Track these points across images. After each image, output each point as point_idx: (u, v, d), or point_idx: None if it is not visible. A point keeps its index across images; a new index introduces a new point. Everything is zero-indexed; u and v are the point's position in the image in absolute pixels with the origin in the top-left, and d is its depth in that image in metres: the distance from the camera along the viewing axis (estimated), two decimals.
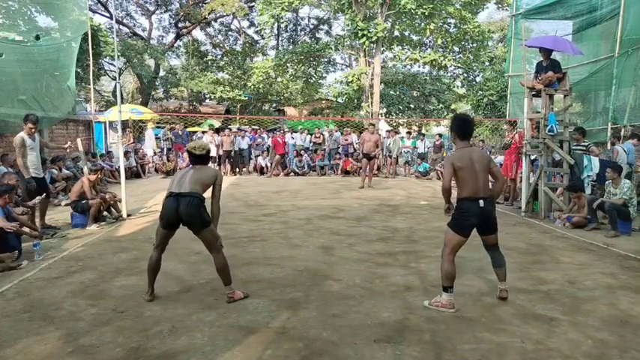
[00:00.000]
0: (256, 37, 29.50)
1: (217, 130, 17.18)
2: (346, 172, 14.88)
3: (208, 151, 3.96)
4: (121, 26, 26.67)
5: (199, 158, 3.90)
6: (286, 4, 19.02)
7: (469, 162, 3.57)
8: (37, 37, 11.22)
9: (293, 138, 16.85)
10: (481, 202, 3.52)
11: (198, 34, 30.26)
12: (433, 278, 4.37)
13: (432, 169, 14.84)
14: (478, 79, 23.49)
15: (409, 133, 17.80)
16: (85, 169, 7.14)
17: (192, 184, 3.70)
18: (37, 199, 6.09)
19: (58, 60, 11.87)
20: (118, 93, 7.97)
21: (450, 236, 3.64)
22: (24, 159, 6.16)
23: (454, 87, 26.81)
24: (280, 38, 29.66)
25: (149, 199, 9.42)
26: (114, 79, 24.03)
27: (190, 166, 3.95)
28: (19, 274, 4.44)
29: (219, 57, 29.43)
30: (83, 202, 6.67)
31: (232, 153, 14.86)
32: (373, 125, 12.50)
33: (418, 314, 3.52)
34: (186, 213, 3.59)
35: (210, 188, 3.83)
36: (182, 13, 27.04)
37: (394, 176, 14.83)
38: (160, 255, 3.82)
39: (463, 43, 21.60)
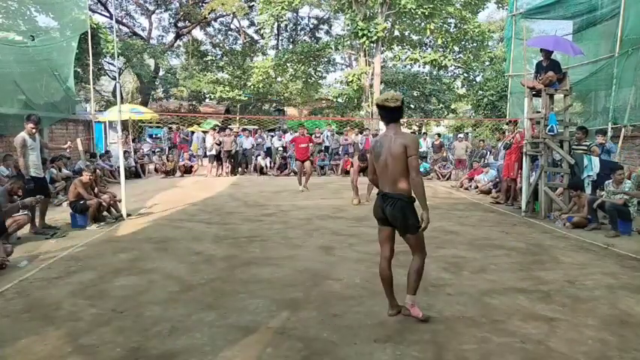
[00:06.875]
0: (256, 37, 29.50)
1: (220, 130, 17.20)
2: (346, 172, 14.88)
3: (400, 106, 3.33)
4: (120, 26, 26.66)
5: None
6: (286, 3, 19.00)
7: None
8: (32, 38, 11.25)
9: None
10: None
11: (198, 33, 30.29)
12: (433, 278, 4.37)
13: (432, 170, 14.84)
14: (478, 79, 23.49)
15: (414, 133, 17.70)
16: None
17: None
18: (37, 197, 6.07)
19: (57, 59, 11.88)
20: (117, 93, 8.00)
21: None
22: (25, 159, 6.17)
23: (454, 87, 26.80)
24: (280, 38, 29.65)
25: (149, 199, 9.43)
26: (114, 78, 24.02)
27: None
28: (19, 274, 4.44)
29: (219, 57, 29.42)
30: (81, 202, 6.67)
31: (233, 152, 14.84)
32: (364, 159, 9.28)
33: None
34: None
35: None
36: (182, 13, 27.03)
37: None
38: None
39: (463, 42, 21.60)
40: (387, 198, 3.31)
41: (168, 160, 14.60)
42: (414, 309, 3.33)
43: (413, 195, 3.30)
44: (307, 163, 11.18)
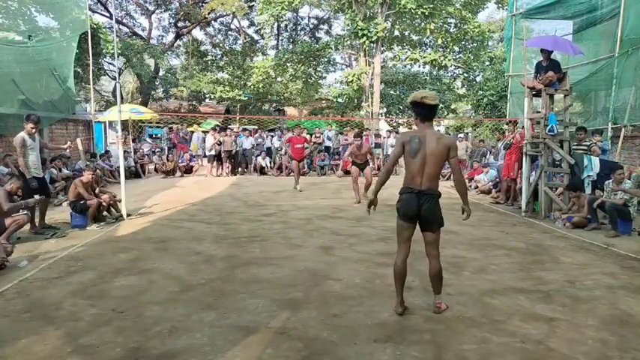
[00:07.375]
0: (256, 37, 29.51)
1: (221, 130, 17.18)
2: (346, 172, 14.87)
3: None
4: (120, 26, 26.67)
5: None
6: (286, 3, 19.00)
7: None
8: (30, 37, 11.25)
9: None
10: None
11: (198, 33, 30.29)
12: None
13: None
14: (478, 79, 23.48)
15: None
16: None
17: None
18: (36, 197, 6.06)
19: (57, 60, 11.87)
20: (117, 93, 7.99)
21: None
22: (25, 159, 6.17)
23: (454, 87, 26.79)
24: (280, 38, 29.66)
25: (149, 199, 9.42)
26: (114, 78, 24.02)
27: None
28: (19, 274, 4.44)
29: (219, 57, 29.42)
30: (81, 202, 6.67)
31: (233, 152, 14.83)
32: (360, 137, 9.47)
33: (418, 314, 3.52)
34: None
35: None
36: (182, 13, 27.03)
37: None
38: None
39: (463, 42, 21.60)
40: (422, 195, 3.39)
41: (168, 160, 14.59)
42: (441, 304, 3.58)
43: (439, 191, 3.48)
44: (301, 163, 11.57)
